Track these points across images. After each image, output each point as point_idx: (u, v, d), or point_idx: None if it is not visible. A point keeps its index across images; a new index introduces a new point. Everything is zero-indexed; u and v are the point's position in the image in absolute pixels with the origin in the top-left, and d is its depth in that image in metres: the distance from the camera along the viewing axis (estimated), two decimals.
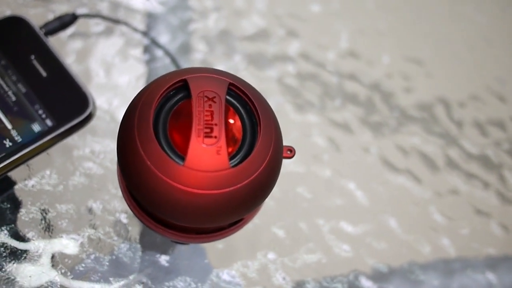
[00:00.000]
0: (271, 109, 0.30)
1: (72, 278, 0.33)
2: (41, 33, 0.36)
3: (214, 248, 0.35)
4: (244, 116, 0.29)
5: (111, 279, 0.33)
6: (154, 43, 0.40)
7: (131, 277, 0.34)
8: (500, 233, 0.40)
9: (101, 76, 0.39)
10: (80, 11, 0.40)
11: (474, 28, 0.47)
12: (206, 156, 0.27)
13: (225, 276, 0.35)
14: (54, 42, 0.37)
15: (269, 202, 0.37)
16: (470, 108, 0.44)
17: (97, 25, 0.40)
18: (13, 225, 0.33)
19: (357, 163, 0.40)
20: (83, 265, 0.33)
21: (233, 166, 0.27)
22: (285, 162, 0.36)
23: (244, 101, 0.29)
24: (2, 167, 0.32)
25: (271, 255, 0.36)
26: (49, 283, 0.32)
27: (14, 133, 0.33)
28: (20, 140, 0.33)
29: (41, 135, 0.34)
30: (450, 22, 0.47)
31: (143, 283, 0.34)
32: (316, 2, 0.45)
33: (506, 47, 0.47)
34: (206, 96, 0.28)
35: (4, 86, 0.34)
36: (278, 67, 0.42)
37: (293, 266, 0.36)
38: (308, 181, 0.38)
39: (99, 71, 0.39)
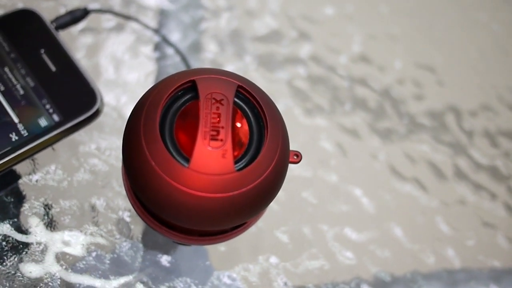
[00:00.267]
0: (279, 113, 0.30)
1: (72, 274, 0.33)
2: (52, 27, 0.36)
3: (216, 250, 0.35)
4: (252, 119, 0.29)
5: (111, 277, 0.33)
6: (165, 41, 0.40)
7: (131, 276, 0.33)
8: (506, 245, 0.40)
9: (110, 72, 0.39)
10: (92, 6, 0.40)
11: (489, 36, 0.47)
12: (211, 159, 0.27)
13: (226, 279, 0.35)
14: (65, 36, 0.37)
15: (274, 206, 0.37)
16: (481, 117, 0.43)
17: (108, 21, 0.40)
18: (15, 219, 0.33)
19: (365, 169, 0.40)
20: (84, 262, 0.33)
21: (238, 170, 0.27)
22: (291, 166, 0.36)
23: (252, 104, 0.29)
24: (7, 160, 0.32)
25: (273, 260, 0.36)
26: (49, 279, 0.32)
27: (20, 127, 0.33)
28: (26, 134, 0.33)
29: (48, 130, 0.33)
30: (464, 30, 0.46)
31: (143, 282, 0.33)
32: (330, 5, 0.45)
33: None
34: (214, 98, 0.28)
35: (13, 79, 0.34)
36: (288, 69, 0.41)
37: (295, 272, 0.36)
38: (314, 186, 0.38)
39: (109, 67, 0.39)
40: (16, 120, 0.33)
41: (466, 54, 0.45)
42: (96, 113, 0.35)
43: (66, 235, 0.34)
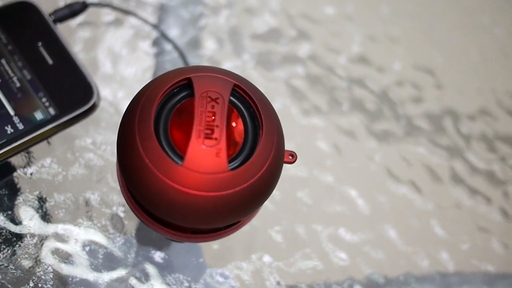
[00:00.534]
0: (275, 113, 0.30)
1: (65, 268, 0.33)
2: (50, 20, 0.36)
3: (210, 247, 0.35)
4: (247, 119, 0.29)
5: (104, 271, 0.33)
6: (164, 36, 0.40)
7: (124, 271, 0.33)
8: (501, 250, 0.39)
9: (107, 66, 0.39)
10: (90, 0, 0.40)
11: (490, 39, 0.46)
12: (205, 157, 0.27)
13: (218, 276, 0.35)
14: (63, 29, 0.37)
15: (268, 205, 0.37)
16: (479, 121, 0.43)
17: (107, 15, 0.40)
18: (9, 212, 0.33)
19: (360, 170, 0.39)
20: (77, 256, 0.33)
21: (231, 169, 0.27)
22: (287, 165, 0.36)
23: (248, 104, 0.29)
24: (2, 153, 0.32)
25: (266, 258, 0.36)
26: (42, 272, 0.32)
27: (16, 119, 0.33)
28: (22, 127, 0.33)
29: (43, 123, 0.33)
30: (465, 32, 0.46)
31: (136, 277, 0.33)
32: (330, 4, 0.44)
33: None
34: (209, 97, 0.28)
35: (10, 71, 0.34)
36: (287, 68, 0.41)
37: (288, 271, 0.36)
38: (310, 186, 0.38)
39: (106, 61, 0.39)
40: (12, 112, 0.33)
41: (466, 57, 0.45)
42: (93, 108, 0.35)
43: (60, 228, 0.34)
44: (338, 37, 0.44)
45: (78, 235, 0.34)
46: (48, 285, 0.32)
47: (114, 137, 0.36)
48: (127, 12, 0.40)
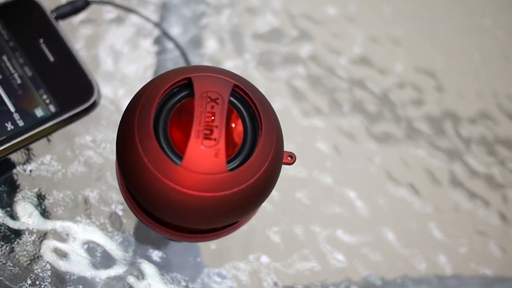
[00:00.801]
0: (274, 114, 0.30)
1: (63, 265, 0.33)
2: (51, 16, 0.36)
3: (207, 247, 0.35)
4: (246, 119, 0.29)
5: (102, 269, 0.33)
6: (165, 34, 0.40)
7: (122, 269, 0.34)
8: (499, 254, 0.39)
9: (109, 64, 0.39)
10: None
11: (492, 42, 0.46)
12: (204, 158, 0.27)
13: (216, 276, 0.35)
14: (65, 27, 0.37)
15: (267, 206, 0.37)
16: (479, 125, 0.43)
17: (109, 13, 0.40)
18: (8, 209, 0.33)
19: (360, 172, 0.39)
20: (75, 253, 0.33)
21: (230, 170, 0.27)
22: (286, 166, 0.36)
23: (247, 104, 0.29)
24: (1, 150, 0.32)
25: (264, 259, 0.36)
26: (40, 269, 0.32)
27: (16, 116, 0.33)
28: (22, 124, 0.33)
29: (44, 120, 0.33)
30: (467, 35, 0.46)
31: (134, 276, 0.34)
32: (333, 5, 0.44)
33: None
34: (209, 97, 0.28)
35: (11, 68, 0.34)
36: (288, 68, 0.41)
37: (285, 272, 0.36)
38: (309, 187, 0.38)
39: (107, 59, 0.39)
40: (12, 109, 0.33)
41: (468, 60, 0.45)
42: (93, 105, 0.35)
43: (59, 226, 0.34)
44: (339, 37, 0.43)
45: (77, 233, 0.34)
46: (46, 283, 0.32)
47: (114, 135, 0.36)
48: (129, 10, 0.40)
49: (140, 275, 0.34)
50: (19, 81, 0.34)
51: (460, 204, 0.40)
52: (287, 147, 0.36)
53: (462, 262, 0.39)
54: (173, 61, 0.39)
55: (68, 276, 0.33)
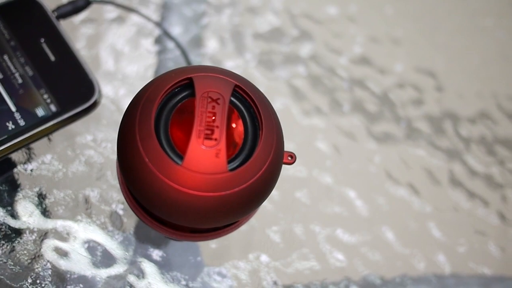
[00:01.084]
0: (275, 114, 0.30)
1: (63, 264, 0.33)
2: (53, 16, 0.36)
3: (208, 246, 0.35)
4: (247, 119, 0.29)
5: (102, 268, 0.33)
6: (166, 34, 0.40)
7: (122, 268, 0.34)
8: (497, 253, 0.40)
9: (109, 64, 0.39)
10: None
11: (492, 43, 0.46)
12: (205, 158, 0.27)
13: (216, 275, 0.35)
14: (65, 26, 0.37)
15: (267, 205, 0.37)
16: (479, 125, 0.43)
17: (110, 12, 0.40)
18: (9, 208, 0.33)
19: (360, 172, 0.40)
20: (76, 252, 0.33)
21: (230, 170, 0.27)
22: (286, 165, 0.36)
23: (248, 104, 0.29)
24: (3, 149, 0.32)
25: (264, 258, 0.36)
26: (40, 268, 0.33)
27: (17, 116, 0.33)
28: (23, 123, 0.33)
29: (45, 120, 0.33)
30: (468, 35, 0.46)
31: (134, 275, 0.34)
32: (334, 4, 0.44)
33: None
34: (210, 97, 0.28)
35: (12, 67, 0.34)
36: (288, 68, 0.41)
37: (285, 271, 0.36)
38: (308, 186, 0.38)
39: (108, 58, 0.39)
40: (13, 108, 0.34)
41: (468, 60, 0.45)
42: (94, 105, 0.35)
43: (59, 225, 0.34)
44: (340, 37, 0.44)
45: (77, 232, 0.34)
46: (47, 281, 0.32)
47: (114, 135, 0.36)
48: (130, 10, 0.40)
49: (141, 274, 0.34)
50: (20, 80, 0.34)
51: (459, 204, 0.40)
52: (287, 146, 0.37)
53: (461, 261, 0.39)
54: (174, 61, 0.40)
55: (68, 275, 0.33)
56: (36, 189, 0.34)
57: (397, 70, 0.44)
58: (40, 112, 0.34)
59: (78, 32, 0.39)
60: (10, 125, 0.33)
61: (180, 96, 0.29)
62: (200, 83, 0.28)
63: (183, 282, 0.34)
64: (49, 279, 0.32)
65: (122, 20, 0.40)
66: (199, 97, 0.28)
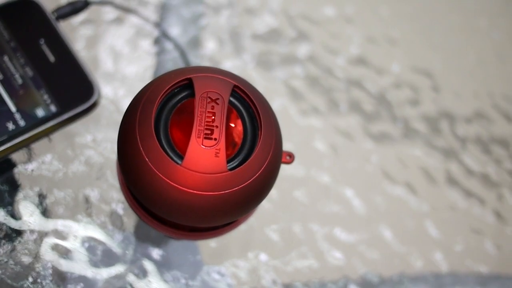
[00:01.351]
0: (273, 114, 0.30)
1: (64, 264, 0.33)
2: (52, 17, 0.36)
3: (207, 245, 0.35)
4: (246, 119, 0.29)
5: (103, 267, 0.34)
6: (165, 35, 0.40)
7: (122, 268, 0.34)
8: (494, 252, 0.40)
9: (109, 65, 0.39)
10: None
11: (488, 43, 0.47)
12: (204, 157, 0.27)
13: (215, 274, 0.35)
14: (65, 27, 0.37)
15: (265, 204, 0.37)
16: (475, 124, 0.44)
17: (108, 13, 0.40)
18: (10, 207, 0.34)
19: (357, 171, 0.40)
20: (76, 252, 0.34)
21: (230, 169, 0.28)
22: (284, 165, 0.36)
23: (247, 105, 0.29)
24: (3, 149, 0.33)
25: (263, 257, 0.36)
26: (41, 268, 0.33)
27: (17, 116, 0.34)
28: (23, 124, 0.33)
29: (44, 120, 0.34)
30: (464, 36, 0.47)
31: (134, 274, 0.34)
32: (331, 5, 0.45)
33: None
34: (209, 97, 0.29)
35: (12, 68, 0.35)
36: (286, 68, 0.42)
37: (284, 269, 0.36)
38: (306, 185, 0.39)
39: (107, 59, 0.39)
40: (13, 109, 0.34)
41: (464, 60, 0.46)
42: (94, 105, 0.35)
43: (60, 225, 0.34)
44: (337, 38, 0.44)
45: (78, 232, 0.34)
46: (47, 281, 0.33)
47: (114, 135, 0.36)
48: (128, 11, 0.40)
49: (141, 273, 0.34)
50: (20, 81, 0.34)
51: (456, 203, 0.41)
52: (285, 146, 0.37)
53: (458, 259, 0.39)
54: (173, 62, 0.40)
55: (69, 275, 0.33)
56: (37, 189, 0.34)
57: (394, 70, 0.44)
58: (40, 112, 0.34)
59: (77, 33, 0.39)
60: (11, 126, 0.33)
61: (179, 97, 0.29)
62: (199, 83, 0.29)
63: (183, 281, 0.34)
64: (50, 278, 0.33)
65: (121, 21, 0.40)
66: (199, 97, 0.28)
